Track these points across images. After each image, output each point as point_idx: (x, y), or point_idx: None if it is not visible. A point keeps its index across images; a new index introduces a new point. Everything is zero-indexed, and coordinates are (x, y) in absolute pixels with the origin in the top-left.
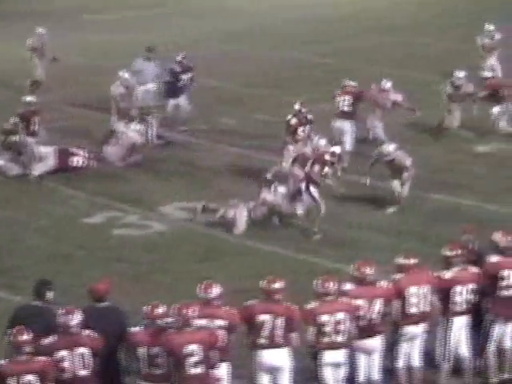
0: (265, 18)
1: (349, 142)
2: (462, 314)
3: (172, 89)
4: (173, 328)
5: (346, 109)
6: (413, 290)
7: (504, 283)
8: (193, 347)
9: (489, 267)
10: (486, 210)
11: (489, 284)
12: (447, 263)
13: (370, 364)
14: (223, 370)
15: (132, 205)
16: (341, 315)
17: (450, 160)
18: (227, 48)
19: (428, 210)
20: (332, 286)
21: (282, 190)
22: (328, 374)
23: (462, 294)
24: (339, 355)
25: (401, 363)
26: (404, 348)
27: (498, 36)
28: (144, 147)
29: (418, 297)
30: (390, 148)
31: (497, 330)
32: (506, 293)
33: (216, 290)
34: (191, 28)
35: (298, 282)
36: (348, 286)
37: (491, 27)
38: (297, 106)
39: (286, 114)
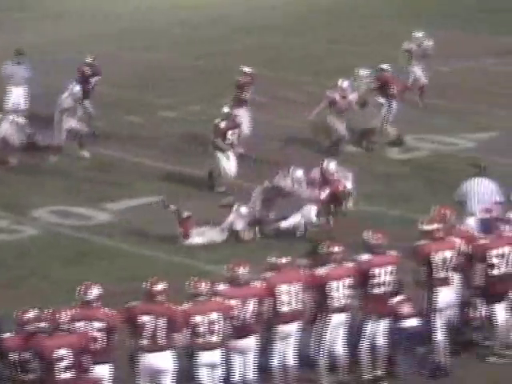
0: (136, 19)
1: (246, 127)
2: (340, 311)
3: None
4: (45, 332)
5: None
6: (284, 288)
7: (375, 281)
8: (63, 351)
9: (360, 265)
10: (357, 209)
11: (360, 282)
12: (323, 261)
13: (245, 364)
14: (104, 372)
15: (4, 209)
16: (214, 315)
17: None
18: (98, 50)
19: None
20: (204, 286)
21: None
22: (204, 374)
23: (339, 290)
24: (215, 355)
25: (276, 362)
26: (278, 347)
27: (426, 43)
28: (18, 149)
29: (290, 295)
30: (331, 166)
31: (369, 327)
32: (377, 290)
33: (95, 291)
34: (60, 30)
35: (171, 284)
36: (222, 287)
37: (419, 34)
38: (226, 110)
39: (160, 115)
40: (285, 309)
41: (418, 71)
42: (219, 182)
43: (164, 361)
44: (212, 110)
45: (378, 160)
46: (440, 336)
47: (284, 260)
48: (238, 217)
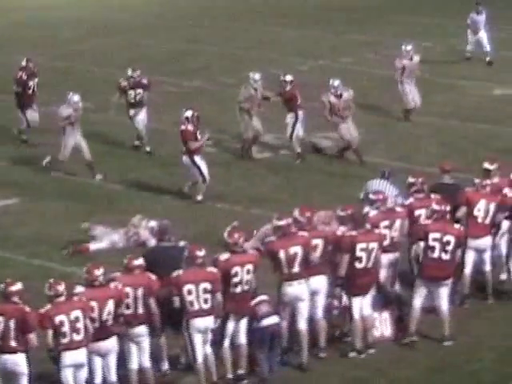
0: None
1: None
2: (201, 315)
3: (24, 99)
4: None
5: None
6: (127, 290)
7: (235, 280)
8: None
9: (220, 265)
10: (216, 209)
11: (221, 282)
12: (190, 263)
13: (107, 366)
14: None
15: None
16: (76, 313)
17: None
18: None
19: (160, 212)
20: (61, 287)
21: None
22: (69, 375)
23: (193, 293)
24: (80, 355)
25: (133, 364)
26: (133, 348)
27: (416, 58)
28: None
29: (133, 298)
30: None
31: (230, 326)
32: (237, 290)
33: None
34: None
35: (33, 288)
36: (80, 289)
37: (408, 47)
38: (188, 113)
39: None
40: (128, 311)
41: (413, 90)
42: (198, 190)
43: (17, 363)
44: None
45: (239, 159)
46: (285, 324)
47: (136, 262)
48: (151, 234)
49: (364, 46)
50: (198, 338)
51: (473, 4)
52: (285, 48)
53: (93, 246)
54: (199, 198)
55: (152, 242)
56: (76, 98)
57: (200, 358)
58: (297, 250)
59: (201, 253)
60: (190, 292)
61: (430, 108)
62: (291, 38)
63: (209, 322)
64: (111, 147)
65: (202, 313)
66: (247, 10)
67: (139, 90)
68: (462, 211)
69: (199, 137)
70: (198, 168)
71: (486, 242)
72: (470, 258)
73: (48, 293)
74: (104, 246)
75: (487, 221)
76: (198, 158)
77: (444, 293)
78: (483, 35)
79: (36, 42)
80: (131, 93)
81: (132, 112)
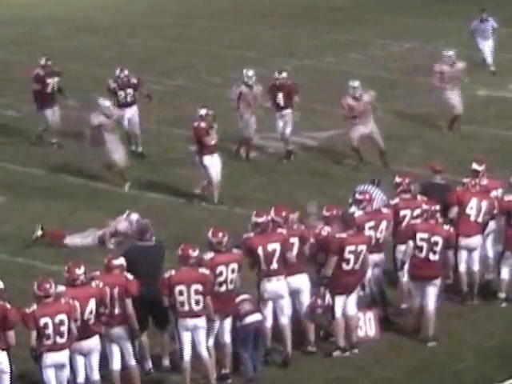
0: None
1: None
2: (191, 316)
3: (43, 97)
4: None
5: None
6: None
7: (220, 279)
8: None
9: (206, 264)
10: (201, 208)
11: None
12: (182, 263)
13: (89, 365)
14: None
15: None
16: (61, 316)
17: (168, 160)
18: None
19: (144, 211)
20: (51, 288)
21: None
22: (51, 375)
23: (184, 294)
24: (62, 355)
25: (115, 365)
26: (115, 349)
27: (461, 65)
28: None
29: (109, 298)
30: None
31: (216, 325)
32: (221, 289)
33: None
34: None
35: (16, 286)
36: (61, 288)
37: (450, 52)
38: (203, 111)
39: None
40: (105, 311)
41: (454, 98)
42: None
43: None
44: None
45: (224, 158)
46: (269, 324)
47: (116, 262)
48: (128, 223)
49: (348, 46)
50: (186, 337)
51: (458, 5)
52: (268, 48)
53: (69, 240)
54: (197, 191)
55: (124, 226)
56: (107, 103)
57: (187, 357)
58: (275, 246)
59: (194, 253)
60: (181, 293)
61: (414, 109)
62: (275, 38)
63: (198, 321)
64: None
65: (191, 313)
66: (230, 9)
67: (129, 90)
68: (454, 211)
69: (213, 135)
70: (206, 169)
71: (476, 240)
72: (463, 256)
73: (38, 293)
74: (83, 243)
75: (479, 219)
76: (208, 160)
77: (432, 293)
78: (488, 47)
79: (17, 39)
80: (121, 93)
81: (121, 113)
